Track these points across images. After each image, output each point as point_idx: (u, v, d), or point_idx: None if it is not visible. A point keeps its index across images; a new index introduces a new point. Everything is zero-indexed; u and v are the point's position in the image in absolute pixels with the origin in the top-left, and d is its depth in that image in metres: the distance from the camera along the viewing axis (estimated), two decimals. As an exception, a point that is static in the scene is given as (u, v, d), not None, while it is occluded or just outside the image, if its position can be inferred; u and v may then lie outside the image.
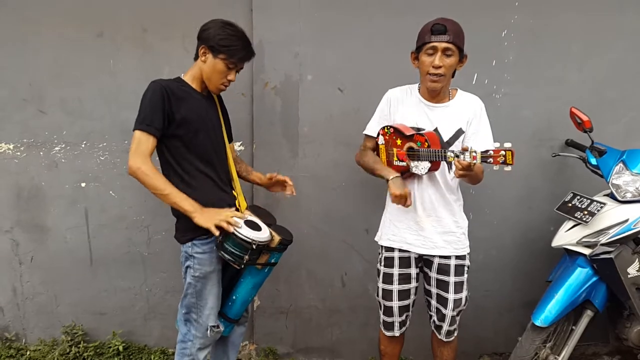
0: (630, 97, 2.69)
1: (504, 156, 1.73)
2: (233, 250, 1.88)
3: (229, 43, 1.92)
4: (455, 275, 2.11)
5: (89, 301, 2.83)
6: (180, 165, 1.97)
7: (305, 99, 2.66)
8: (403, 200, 1.98)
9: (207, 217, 1.86)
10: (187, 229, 2.00)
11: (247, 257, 1.89)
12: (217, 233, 1.85)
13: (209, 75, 1.98)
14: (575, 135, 2.62)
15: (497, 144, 1.79)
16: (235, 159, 2.35)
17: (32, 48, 2.61)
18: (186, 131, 1.94)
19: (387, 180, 2.04)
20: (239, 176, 2.29)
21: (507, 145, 1.74)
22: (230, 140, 2.30)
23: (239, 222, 1.89)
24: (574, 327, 2.32)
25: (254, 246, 1.87)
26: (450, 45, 1.91)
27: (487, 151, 1.76)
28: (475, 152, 1.77)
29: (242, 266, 1.93)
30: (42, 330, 2.87)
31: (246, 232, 1.87)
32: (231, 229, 1.86)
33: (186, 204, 1.87)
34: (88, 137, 2.69)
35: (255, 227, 1.95)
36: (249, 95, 2.66)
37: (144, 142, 1.86)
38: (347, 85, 2.65)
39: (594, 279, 2.23)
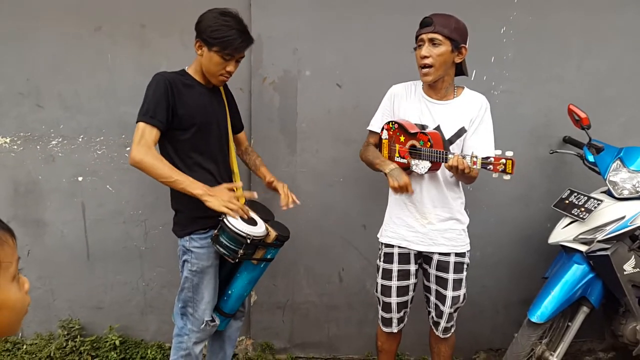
0: (629, 94, 2.69)
1: (504, 164, 1.74)
2: (228, 244, 1.88)
3: (222, 34, 1.87)
4: (454, 273, 2.11)
5: (85, 295, 2.83)
6: (181, 159, 1.96)
7: (303, 95, 2.65)
8: (404, 190, 1.99)
9: (219, 201, 1.84)
10: (185, 223, 2.00)
11: (241, 251, 1.89)
12: (233, 214, 1.85)
13: (207, 68, 1.96)
14: (573, 133, 2.63)
15: (499, 152, 1.79)
16: (247, 149, 2.35)
17: (30, 42, 2.59)
18: (189, 125, 1.93)
19: (386, 174, 2.05)
20: (247, 167, 2.30)
21: (509, 154, 1.75)
22: (240, 129, 2.30)
23: (248, 210, 1.93)
24: (569, 324, 2.33)
25: (249, 240, 1.87)
26: (435, 35, 1.92)
27: (487, 158, 1.77)
28: (476, 157, 1.78)
29: (237, 260, 1.93)
30: (38, 325, 2.86)
31: (241, 226, 1.87)
32: (240, 214, 1.88)
33: (194, 187, 1.84)
34: (85, 131, 2.68)
35: (251, 222, 1.95)
36: (247, 90, 2.65)
37: (147, 133, 1.84)
38: (346, 81, 2.64)
39: (590, 275, 2.24)
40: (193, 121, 1.94)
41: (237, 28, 1.90)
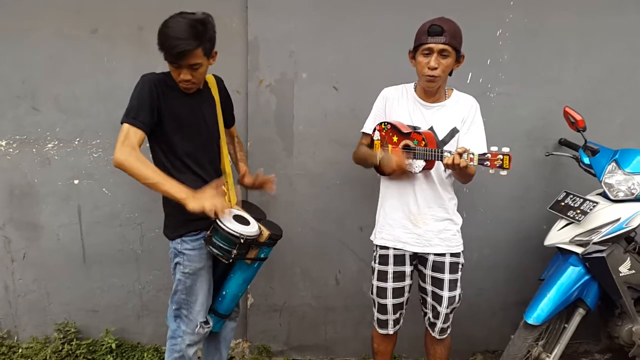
0: (624, 97, 2.70)
1: (501, 160, 1.74)
2: (221, 245, 1.87)
3: (160, 42, 1.80)
4: (449, 273, 2.12)
5: (81, 299, 2.82)
6: (170, 161, 1.96)
7: (300, 97, 2.65)
8: (402, 168, 1.98)
9: (199, 201, 1.80)
10: (176, 226, 1.99)
11: (235, 251, 1.88)
12: (212, 215, 1.79)
13: (171, 74, 1.92)
14: (568, 135, 2.63)
15: (495, 148, 1.80)
16: (233, 140, 2.33)
17: (26, 45, 2.59)
18: (174, 127, 1.93)
19: (378, 167, 2.05)
20: (230, 156, 2.28)
21: (505, 149, 1.75)
22: (232, 124, 2.28)
23: (226, 212, 1.87)
24: (566, 325, 2.34)
25: (242, 240, 1.86)
26: (446, 47, 1.91)
27: (484, 154, 1.77)
28: (472, 154, 1.78)
29: (230, 261, 1.92)
30: (34, 328, 2.85)
31: (234, 227, 1.86)
32: (224, 214, 1.83)
33: (177, 190, 1.80)
34: (81, 134, 2.67)
35: (243, 221, 1.94)
36: (244, 92, 2.65)
37: (131, 135, 1.82)
38: (342, 83, 2.65)
39: (586, 277, 2.24)
40: (178, 123, 1.92)
41: (174, 35, 1.78)
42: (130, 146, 1.80)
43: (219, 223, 1.86)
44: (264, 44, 2.60)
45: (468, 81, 2.61)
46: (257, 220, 2.04)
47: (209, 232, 1.90)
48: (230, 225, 1.86)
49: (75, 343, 2.79)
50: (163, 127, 1.91)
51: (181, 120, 1.93)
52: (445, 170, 2.07)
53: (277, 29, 2.59)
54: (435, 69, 1.92)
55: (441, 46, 1.90)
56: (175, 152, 1.96)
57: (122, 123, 1.85)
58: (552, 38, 2.64)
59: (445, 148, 2.00)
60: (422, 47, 1.95)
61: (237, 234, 1.85)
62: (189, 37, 1.79)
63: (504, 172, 1.76)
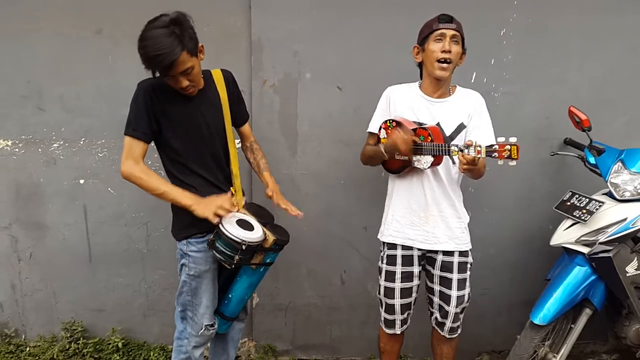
0: (629, 96, 2.68)
1: (509, 150, 1.73)
2: (223, 250, 1.86)
3: (145, 60, 1.75)
4: (458, 272, 2.11)
5: (88, 298, 2.84)
6: (174, 165, 1.97)
7: (304, 97, 2.65)
8: (405, 146, 1.93)
9: (204, 208, 1.84)
10: (182, 227, 2.00)
11: (237, 257, 1.87)
12: (215, 221, 1.83)
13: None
14: (574, 134, 2.62)
15: (502, 139, 1.79)
16: (251, 145, 2.26)
17: (31, 45, 2.60)
18: (173, 132, 1.93)
19: (385, 152, 2.05)
20: (251, 166, 2.27)
21: (513, 139, 1.75)
22: (243, 122, 2.22)
23: (232, 211, 1.89)
24: (572, 326, 2.33)
25: (244, 246, 1.85)
26: (457, 33, 1.97)
27: (492, 146, 1.77)
28: (480, 146, 1.78)
29: (233, 266, 1.90)
30: (41, 327, 2.87)
31: (236, 232, 1.84)
32: (229, 215, 1.86)
33: (184, 198, 1.86)
34: (87, 134, 2.69)
35: (248, 226, 1.92)
36: (248, 92, 2.65)
37: (134, 147, 1.87)
38: (346, 83, 2.64)
39: (593, 277, 2.23)
40: (176, 128, 1.92)
41: (155, 52, 1.72)
42: (133, 159, 1.87)
43: (222, 228, 1.85)
44: (268, 44, 2.60)
45: (472, 81, 2.60)
46: (265, 224, 2.02)
47: (212, 236, 1.90)
48: (233, 231, 1.84)
49: (82, 342, 2.81)
50: (163, 133, 1.92)
51: (179, 124, 1.92)
52: (453, 167, 2.06)
53: (281, 29, 2.59)
54: (449, 52, 1.96)
55: (452, 32, 1.96)
56: (178, 157, 1.96)
57: (124, 135, 1.89)
58: (556, 37, 2.62)
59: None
60: (434, 34, 1.98)
61: (239, 240, 1.84)
62: (169, 46, 1.72)
63: (512, 163, 1.76)
